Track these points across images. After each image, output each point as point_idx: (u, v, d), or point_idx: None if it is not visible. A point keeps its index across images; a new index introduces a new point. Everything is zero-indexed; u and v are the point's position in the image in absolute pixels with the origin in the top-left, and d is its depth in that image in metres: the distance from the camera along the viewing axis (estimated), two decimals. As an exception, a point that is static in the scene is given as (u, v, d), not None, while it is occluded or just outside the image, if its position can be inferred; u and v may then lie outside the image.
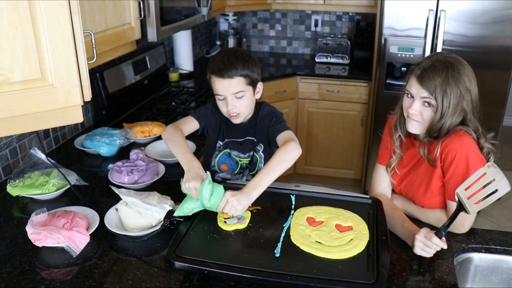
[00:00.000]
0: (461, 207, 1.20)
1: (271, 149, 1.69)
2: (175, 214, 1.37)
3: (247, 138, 1.73)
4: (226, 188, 1.34)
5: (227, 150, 1.75)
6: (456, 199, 1.22)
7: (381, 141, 1.66)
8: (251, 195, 1.31)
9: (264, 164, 1.72)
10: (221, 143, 1.76)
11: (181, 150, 1.48)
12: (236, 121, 1.65)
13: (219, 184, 1.35)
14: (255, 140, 1.73)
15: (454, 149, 1.37)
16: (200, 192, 1.30)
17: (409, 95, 1.43)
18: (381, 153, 1.64)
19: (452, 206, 1.39)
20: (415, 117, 1.43)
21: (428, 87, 1.37)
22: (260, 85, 1.66)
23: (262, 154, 1.73)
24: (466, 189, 1.19)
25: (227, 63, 1.54)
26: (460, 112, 1.39)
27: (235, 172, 1.76)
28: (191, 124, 1.67)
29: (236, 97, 1.57)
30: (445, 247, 1.24)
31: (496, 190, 1.14)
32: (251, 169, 1.76)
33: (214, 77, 1.57)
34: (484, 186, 1.16)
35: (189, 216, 1.35)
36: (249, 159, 1.75)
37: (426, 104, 1.39)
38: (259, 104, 1.72)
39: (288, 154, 1.42)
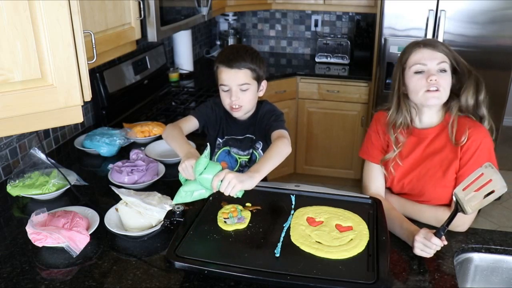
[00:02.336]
0: (459, 208, 1.20)
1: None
2: (173, 202, 1.32)
3: (247, 135, 1.74)
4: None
5: (227, 148, 1.76)
6: (454, 199, 1.21)
7: (367, 138, 1.62)
8: (254, 177, 1.26)
9: None
10: (220, 141, 1.76)
11: (179, 143, 1.47)
12: (237, 114, 1.65)
13: (217, 163, 1.30)
14: (254, 137, 1.73)
15: (479, 139, 1.38)
16: (195, 167, 1.24)
17: (420, 72, 1.42)
18: (370, 151, 1.59)
19: None
20: (433, 86, 1.40)
21: (441, 49, 1.41)
22: (264, 84, 1.68)
23: (261, 152, 1.73)
24: (463, 190, 1.19)
25: (236, 54, 1.58)
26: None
27: (234, 169, 1.77)
28: (191, 123, 1.66)
29: (240, 89, 1.59)
30: (445, 243, 1.25)
31: (493, 191, 1.14)
32: (250, 167, 1.76)
33: (222, 67, 1.59)
34: (482, 187, 1.16)
35: (189, 216, 1.34)
36: (248, 156, 1.75)
37: (443, 70, 1.41)
38: (260, 102, 1.73)
39: (283, 149, 1.42)
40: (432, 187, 1.47)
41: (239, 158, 1.76)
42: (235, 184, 1.21)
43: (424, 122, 1.49)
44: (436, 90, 1.41)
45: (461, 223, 1.39)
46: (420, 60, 1.43)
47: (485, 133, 1.40)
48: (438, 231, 1.23)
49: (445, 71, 1.41)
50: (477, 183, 1.16)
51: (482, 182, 1.15)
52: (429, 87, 1.41)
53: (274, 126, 1.59)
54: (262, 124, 1.67)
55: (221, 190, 1.23)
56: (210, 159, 1.41)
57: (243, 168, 1.76)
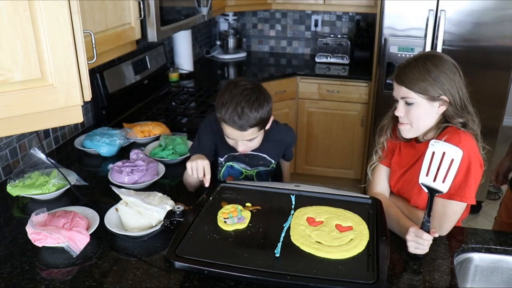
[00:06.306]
0: (433, 192, 1.24)
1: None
2: None
3: (256, 153, 1.70)
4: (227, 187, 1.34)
5: (229, 163, 1.73)
6: (424, 188, 1.26)
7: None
8: None
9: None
10: (221, 160, 1.73)
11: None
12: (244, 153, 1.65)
13: None
14: (267, 156, 1.73)
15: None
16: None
17: (396, 101, 1.44)
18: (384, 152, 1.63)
19: (439, 201, 1.39)
20: (402, 120, 1.42)
21: (406, 82, 1.36)
22: (271, 119, 1.61)
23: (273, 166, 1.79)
24: (427, 176, 1.23)
25: (241, 114, 1.46)
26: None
27: (240, 178, 1.75)
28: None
29: (248, 140, 1.56)
30: (436, 235, 1.27)
31: (453, 160, 1.18)
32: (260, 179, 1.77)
33: (226, 125, 1.51)
34: (440, 163, 1.21)
35: (189, 216, 1.34)
36: (254, 171, 1.74)
37: (409, 104, 1.38)
38: (275, 122, 1.73)
39: None
40: (416, 194, 1.49)
41: (245, 172, 1.74)
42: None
43: (422, 139, 1.51)
44: (406, 123, 1.42)
45: (437, 227, 1.37)
46: (394, 92, 1.43)
47: (457, 142, 1.32)
48: (423, 225, 1.25)
49: (411, 104, 1.38)
50: (434, 163, 1.21)
51: (439, 159, 1.20)
52: (399, 119, 1.43)
53: (288, 157, 1.88)
54: (286, 151, 1.82)
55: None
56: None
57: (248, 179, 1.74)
